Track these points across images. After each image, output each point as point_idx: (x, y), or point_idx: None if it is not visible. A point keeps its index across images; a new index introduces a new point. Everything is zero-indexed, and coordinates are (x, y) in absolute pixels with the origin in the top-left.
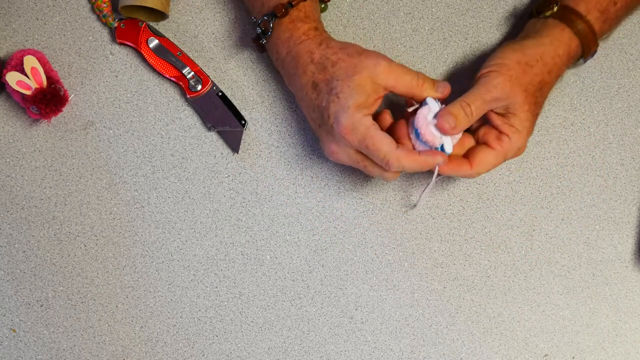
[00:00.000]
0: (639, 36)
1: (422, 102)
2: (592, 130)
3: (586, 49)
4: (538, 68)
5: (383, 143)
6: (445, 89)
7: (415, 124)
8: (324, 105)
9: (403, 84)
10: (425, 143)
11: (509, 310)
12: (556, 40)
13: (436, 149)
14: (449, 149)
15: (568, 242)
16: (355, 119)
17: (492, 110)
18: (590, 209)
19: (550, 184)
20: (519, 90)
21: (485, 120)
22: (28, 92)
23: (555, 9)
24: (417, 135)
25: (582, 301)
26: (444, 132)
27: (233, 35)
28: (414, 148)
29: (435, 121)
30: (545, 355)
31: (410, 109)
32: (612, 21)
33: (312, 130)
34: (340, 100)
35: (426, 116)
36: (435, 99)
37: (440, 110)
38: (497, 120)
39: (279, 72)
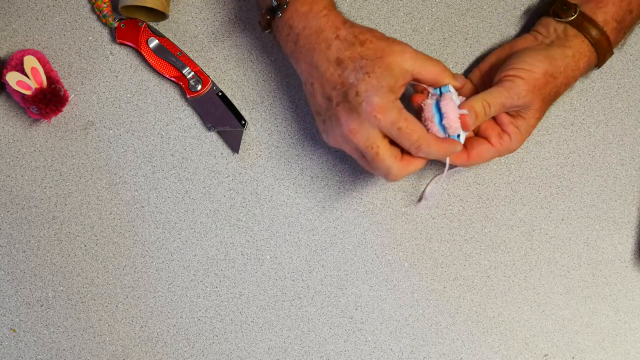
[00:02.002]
0: (639, 36)
1: (440, 88)
2: (592, 130)
3: (601, 59)
4: (559, 80)
5: (417, 125)
6: (463, 80)
7: (443, 108)
8: (350, 82)
9: (428, 71)
10: (444, 128)
11: (509, 310)
12: (578, 53)
13: (451, 136)
14: (462, 140)
15: (568, 242)
16: (389, 99)
17: None
18: (590, 209)
19: (550, 184)
20: (538, 100)
21: None
22: (28, 92)
23: (574, 15)
24: (440, 119)
25: (582, 301)
26: (465, 126)
27: (233, 35)
28: (428, 130)
29: (458, 111)
30: (545, 355)
31: (431, 90)
32: (627, 29)
33: (321, 110)
34: (371, 80)
35: (455, 102)
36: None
37: (462, 103)
38: (505, 118)
39: (282, 54)
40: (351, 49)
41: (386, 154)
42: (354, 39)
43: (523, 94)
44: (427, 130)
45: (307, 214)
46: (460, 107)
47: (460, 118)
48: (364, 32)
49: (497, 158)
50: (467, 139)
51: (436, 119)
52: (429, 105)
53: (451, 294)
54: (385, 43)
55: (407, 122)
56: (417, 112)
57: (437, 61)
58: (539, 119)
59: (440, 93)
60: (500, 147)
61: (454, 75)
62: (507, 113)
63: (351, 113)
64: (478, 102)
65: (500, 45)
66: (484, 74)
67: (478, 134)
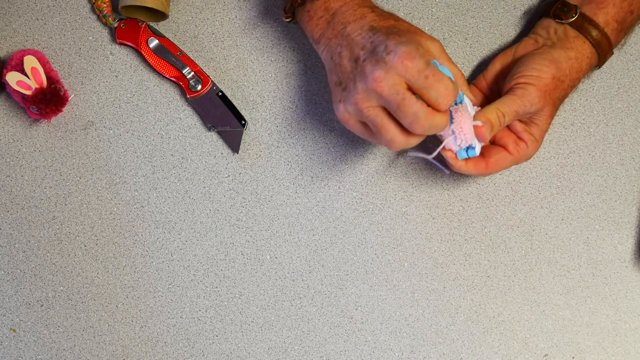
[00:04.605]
0: (639, 36)
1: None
2: (592, 130)
3: (602, 59)
4: (566, 83)
5: (446, 77)
6: (479, 96)
7: (456, 119)
8: (381, 39)
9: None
10: (458, 140)
11: (509, 310)
12: (580, 54)
13: (465, 148)
14: (478, 151)
15: (568, 242)
16: (418, 50)
17: None
18: (590, 209)
19: (550, 184)
20: (549, 105)
21: None
22: (28, 92)
23: (575, 17)
24: (454, 132)
25: (582, 301)
26: (481, 138)
27: (233, 35)
28: (441, 139)
29: (472, 122)
30: (545, 355)
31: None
32: (628, 29)
33: (344, 76)
34: (401, 38)
35: (470, 113)
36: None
37: (476, 113)
38: (518, 127)
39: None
40: (385, 20)
41: (412, 98)
42: (389, 16)
43: (536, 100)
44: (441, 139)
45: (307, 214)
46: (475, 118)
47: (475, 129)
48: (398, 16)
49: None
50: (484, 148)
51: (450, 129)
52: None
53: (451, 294)
54: (416, 29)
55: (436, 70)
56: None
57: (459, 70)
58: (550, 123)
59: (455, 104)
60: (518, 155)
61: (470, 88)
62: (520, 121)
63: (378, 63)
64: (492, 112)
65: (502, 51)
66: (490, 83)
67: (494, 142)
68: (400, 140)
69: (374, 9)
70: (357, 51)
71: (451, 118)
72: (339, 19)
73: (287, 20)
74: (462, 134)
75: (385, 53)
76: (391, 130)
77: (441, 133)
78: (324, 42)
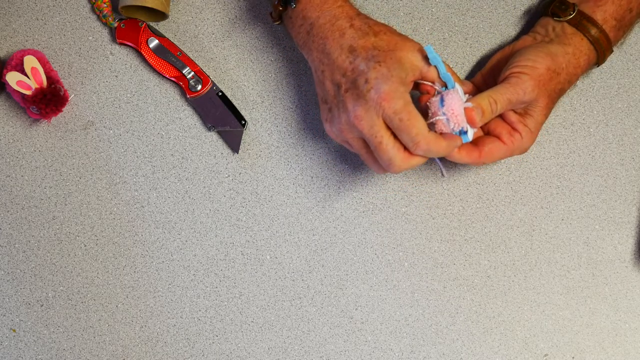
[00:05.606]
0: (639, 36)
1: (447, 86)
2: (592, 130)
3: (601, 57)
4: (562, 77)
5: (419, 121)
6: (471, 86)
7: (447, 102)
8: (361, 70)
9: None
10: (451, 123)
11: (509, 310)
12: (578, 50)
13: (458, 132)
14: (471, 136)
15: (568, 242)
16: (398, 89)
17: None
18: (590, 209)
19: (550, 184)
20: (544, 95)
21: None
22: (28, 92)
23: (573, 14)
24: (445, 114)
25: (582, 301)
26: (471, 122)
27: (233, 35)
28: (435, 126)
29: (463, 105)
30: (545, 355)
31: (438, 88)
32: (627, 28)
33: (328, 97)
34: (382, 69)
35: (460, 98)
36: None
37: (468, 99)
38: (513, 117)
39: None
40: (364, 38)
41: (389, 144)
42: (368, 29)
43: (529, 89)
44: (434, 125)
45: (307, 214)
46: (469, 106)
47: (465, 112)
48: (378, 25)
49: None
50: (478, 137)
51: (441, 112)
52: (434, 102)
53: (451, 294)
54: (399, 37)
55: (410, 115)
56: (424, 111)
57: (446, 64)
58: (546, 116)
59: (446, 88)
60: (512, 145)
61: (461, 80)
62: (515, 112)
63: (359, 99)
64: (484, 98)
65: (501, 48)
66: (487, 77)
67: (488, 133)
68: (380, 172)
69: (353, 20)
70: (338, 77)
71: (442, 101)
72: (317, 31)
73: (277, 23)
74: (454, 116)
75: (366, 89)
76: (371, 164)
77: (431, 116)
78: (306, 50)
